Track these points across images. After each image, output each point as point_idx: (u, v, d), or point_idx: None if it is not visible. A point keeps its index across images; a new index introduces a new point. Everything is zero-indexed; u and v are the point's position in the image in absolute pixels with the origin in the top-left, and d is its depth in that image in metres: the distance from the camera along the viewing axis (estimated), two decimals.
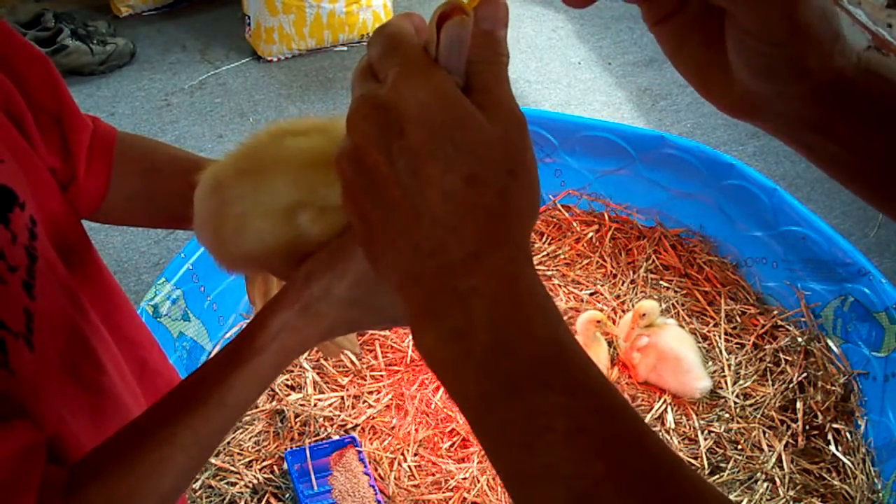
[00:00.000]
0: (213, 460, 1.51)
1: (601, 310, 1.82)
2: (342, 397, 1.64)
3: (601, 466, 0.33)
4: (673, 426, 1.61)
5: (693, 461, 1.55)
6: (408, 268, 0.38)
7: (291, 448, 1.54)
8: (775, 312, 1.81)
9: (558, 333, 0.37)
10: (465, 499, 1.48)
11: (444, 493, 1.49)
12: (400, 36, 0.39)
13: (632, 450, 0.34)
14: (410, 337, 1.77)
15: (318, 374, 1.67)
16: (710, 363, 1.73)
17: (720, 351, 1.75)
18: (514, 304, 0.37)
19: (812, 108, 0.41)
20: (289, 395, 1.63)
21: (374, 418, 1.60)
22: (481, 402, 0.36)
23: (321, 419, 1.59)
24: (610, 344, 1.75)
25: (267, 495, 1.48)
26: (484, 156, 0.37)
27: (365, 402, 1.63)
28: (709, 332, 1.79)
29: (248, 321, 1.77)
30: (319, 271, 0.52)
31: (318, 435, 1.57)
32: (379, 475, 1.52)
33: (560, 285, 1.89)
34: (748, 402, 1.65)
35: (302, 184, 0.52)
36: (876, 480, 1.52)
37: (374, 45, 0.40)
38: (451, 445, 1.57)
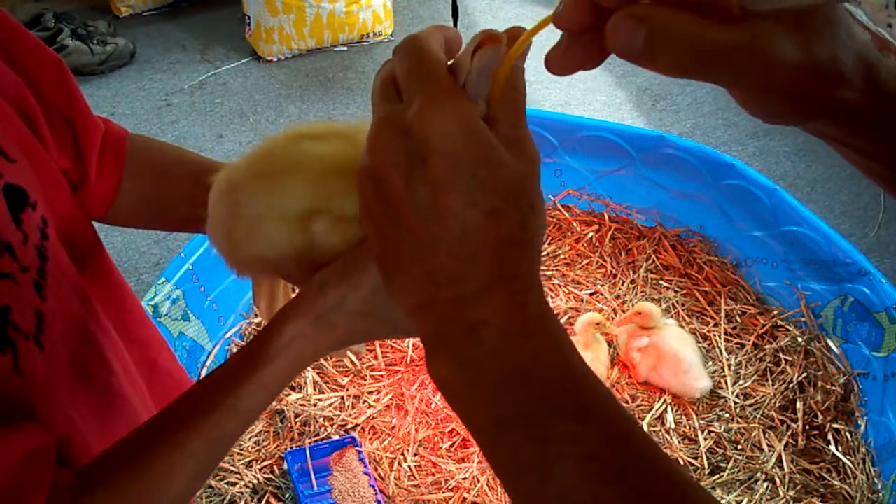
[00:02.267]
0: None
1: (601, 310, 1.82)
2: (342, 397, 1.64)
3: (614, 493, 0.33)
4: (673, 426, 1.61)
5: (693, 461, 1.55)
6: (420, 294, 0.38)
7: (291, 448, 1.54)
8: (775, 312, 1.81)
9: (569, 361, 0.37)
10: (465, 499, 1.48)
11: (444, 493, 1.49)
12: (429, 56, 0.39)
13: (644, 476, 0.34)
14: (411, 338, 1.77)
15: (318, 374, 1.67)
16: (710, 363, 1.73)
17: (720, 351, 1.75)
18: (525, 333, 0.37)
19: (837, 130, 0.40)
20: (289, 395, 1.63)
21: (374, 418, 1.60)
22: (493, 429, 0.37)
23: (321, 419, 1.59)
24: (610, 344, 1.75)
25: (267, 495, 1.48)
26: (506, 192, 0.37)
27: (365, 402, 1.64)
28: (709, 332, 1.79)
29: (248, 322, 1.77)
30: (334, 282, 0.51)
31: (318, 435, 1.57)
32: (379, 475, 1.52)
33: (560, 285, 1.90)
34: (748, 402, 1.65)
35: (319, 191, 0.51)
36: (876, 480, 1.52)
37: (401, 59, 0.39)
38: (451, 445, 1.57)
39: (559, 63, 0.39)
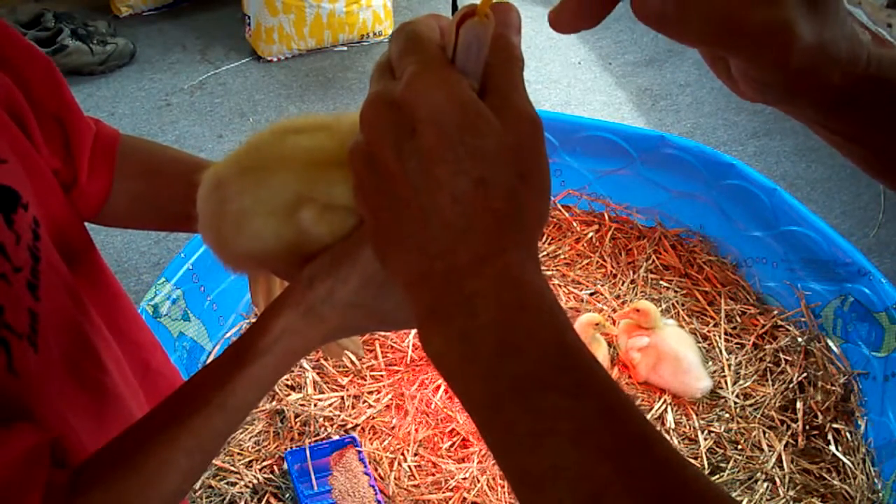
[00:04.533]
0: (213, 460, 1.51)
1: (601, 310, 1.82)
2: (342, 397, 1.64)
3: (607, 468, 0.33)
4: (673, 426, 1.61)
5: (693, 461, 1.55)
6: (415, 268, 0.38)
7: (291, 448, 1.54)
8: (775, 312, 1.81)
9: (564, 336, 0.36)
10: (465, 499, 1.48)
11: (444, 493, 1.49)
12: (420, 35, 0.39)
13: (638, 451, 0.34)
14: (411, 337, 1.78)
15: (318, 374, 1.67)
16: (710, 363, 1.73)
17: (720, 351, 1.75)
18: (520, 307, 0.37)
19: (816, 112, 0.42)
20: (289, 395, 1.63)
21: (374, 418, 1.60)
22: (487, 403, 0.36)
23: (321, 419, 1.59)
24: (610, 344, 1.75)
25: (267, 495, 1.48)
26: (494, 160, 0.37)
27: (365, 402, 1.63)
28: (709, 332, 1.79)
29: (248, 321, 1.77)
30: (323, 274, 0.51)
31: (318, 435, 1.57)
32: (379, 475, 1.52)
33: (560, 285, 1.89)
34: (748, 402, 1.65)
35: (304, 182, 0.51)
36: (876, 480, 1.52)
37: (394, 42, 0.40)
38: (451, 445, 1.57)
39: (564, 21, 0.40)
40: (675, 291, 1.88)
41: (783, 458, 1.55)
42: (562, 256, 1.97)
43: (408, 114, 0.37)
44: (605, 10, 0.39)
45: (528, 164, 0.38)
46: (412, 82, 0.37)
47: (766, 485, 1.52)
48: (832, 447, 1.56)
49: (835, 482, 1.51)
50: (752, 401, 1.66)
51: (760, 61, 0.38)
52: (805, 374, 1.69)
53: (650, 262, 1.94)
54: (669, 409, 1.64)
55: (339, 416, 1.60)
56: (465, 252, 0.37)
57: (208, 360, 1.68)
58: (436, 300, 0.38)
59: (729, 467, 1.54)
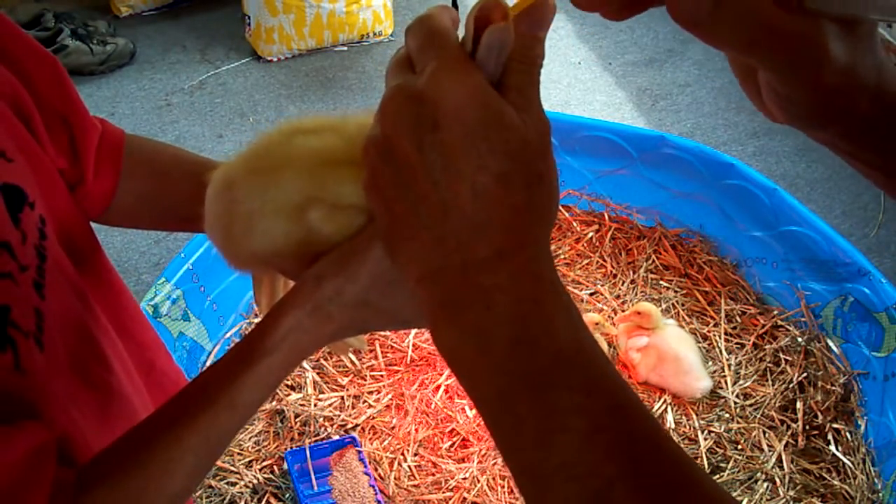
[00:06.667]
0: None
1: (601, 310, 1.82)
2: (342, 397, 1.64)
3: (615, 466, 0.33)
4: (673, 426, 1.61)
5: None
6: (430, 261, 0.38)
7: (291, 448, 1.54)
8: (775, 312, 1.81)
9: (578, 333, 0.37)
10: (465, 499, 1.48)
11: (444, 493, 1.49)
12: (440, 30, 0.39)
13: (647, 450, 0.34)
14: (411, 337, 1.78)
15: (318, 374, 1.68)
16: (710, 363, 1.73)
17: (720, 351, 1.75)
18: (537, 302, 0.37)
19: (842, 139, 0.41)
20: (289, 395, 1.63)
21: (374, 418, 1.61)
22: (498, 399, 0.36)
23: (321, 419, 1.59)
24: (610, 344, 1.75)
25: (267, 495, 1.48)
26: (516, 156, 0.37)
27: (365, 402, 1.64)
28: (709, 332, 1.79)
29: (248, 322, 1.77)
30: (331, 273, 0.51)
31: (318, 435, 1.57)
32: (379, 475, 1.52)
33: None
34: (748, 402, 1.65)
35: (313, 182, 0.52)
36: (876, 480, 1.52)
37: (413, 37, 0.40)
38: (451, 445, 1.57)
39: None
40: (675, 291, 1.88)
41: (783, 458, 1.55)
42: (562, 256, 1.97)
43: (430, 107, 0.37)
44: (636, 9, 0.39)
45: (543, 162, 0.39)
46: (435, 76, 0.38)
47: (766, 485, 1.52)
48: (832, 447, 1.57)
49: (835, 482, 1.51)
50: (752, 401, 1.66)
51: (791, 75, 0.38)
52: (805, 374, 1.69)
53: (650, 262, 1.94)
54: (669, 409, 1.64)
55: (339, 416, 1.60)
56: (484, 246, 0.37)
57: (208, 361, 1.68)
58: (450, 294, 0.38)
59: (729, 467, 1.55)
